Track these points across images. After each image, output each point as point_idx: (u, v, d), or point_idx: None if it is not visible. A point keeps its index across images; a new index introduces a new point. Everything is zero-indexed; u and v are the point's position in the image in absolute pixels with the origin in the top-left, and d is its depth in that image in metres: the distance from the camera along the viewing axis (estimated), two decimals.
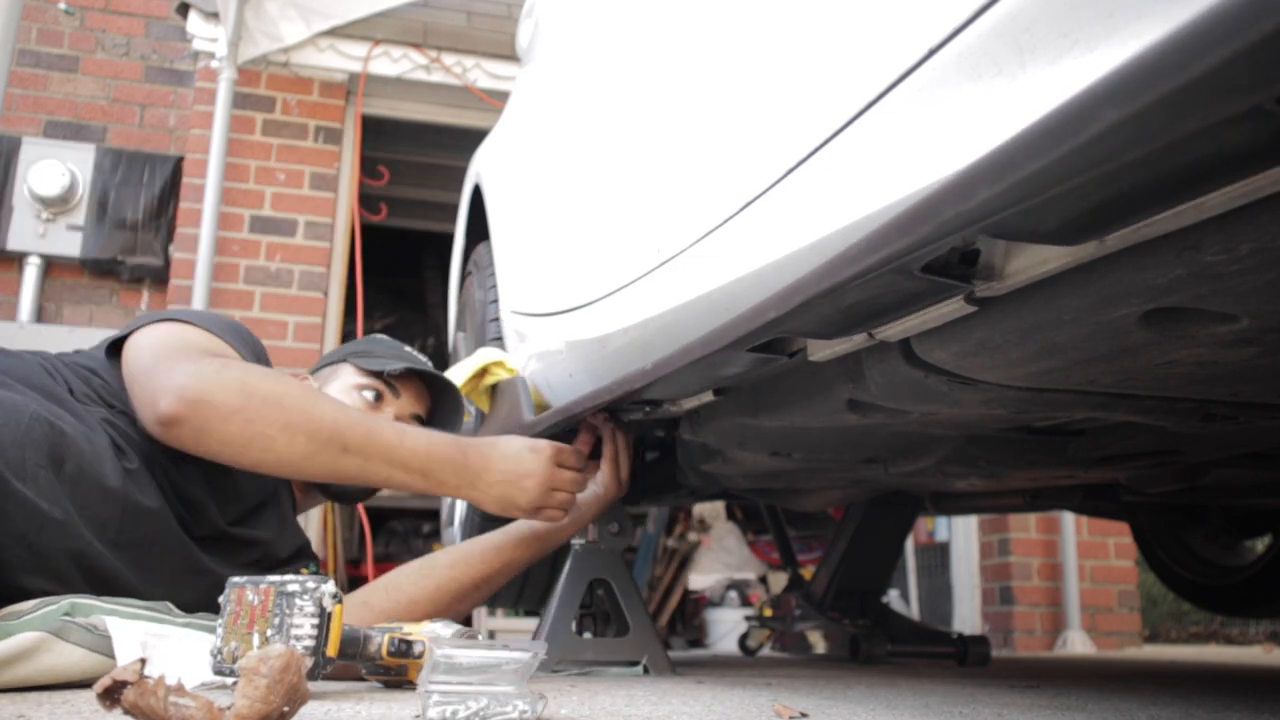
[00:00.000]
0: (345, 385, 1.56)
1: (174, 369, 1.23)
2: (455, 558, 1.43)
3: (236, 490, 1.41)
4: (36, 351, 1.40)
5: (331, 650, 1.00)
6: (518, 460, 1.34)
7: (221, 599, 1.03)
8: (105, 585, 1.21)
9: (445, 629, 1.17)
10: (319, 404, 1.24)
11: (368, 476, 1.25)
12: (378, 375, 1.56)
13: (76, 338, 3.52)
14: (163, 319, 1.37)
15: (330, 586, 1.01)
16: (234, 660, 1.00)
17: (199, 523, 1.36)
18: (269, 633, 0.98)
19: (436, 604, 1.39)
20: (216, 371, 1.22)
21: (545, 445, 1.37)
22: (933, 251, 0.69)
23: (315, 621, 0.98)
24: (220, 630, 1.01)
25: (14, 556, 1.12)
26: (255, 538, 1.44)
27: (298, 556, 1.51)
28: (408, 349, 1.68)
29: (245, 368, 1.27)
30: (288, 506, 1.54)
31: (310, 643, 0.98)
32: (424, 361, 1.63)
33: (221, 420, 1.19)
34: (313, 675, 0.99)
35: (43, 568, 1.16)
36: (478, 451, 1.33)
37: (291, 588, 0.99)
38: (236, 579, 1.02)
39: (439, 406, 1.66)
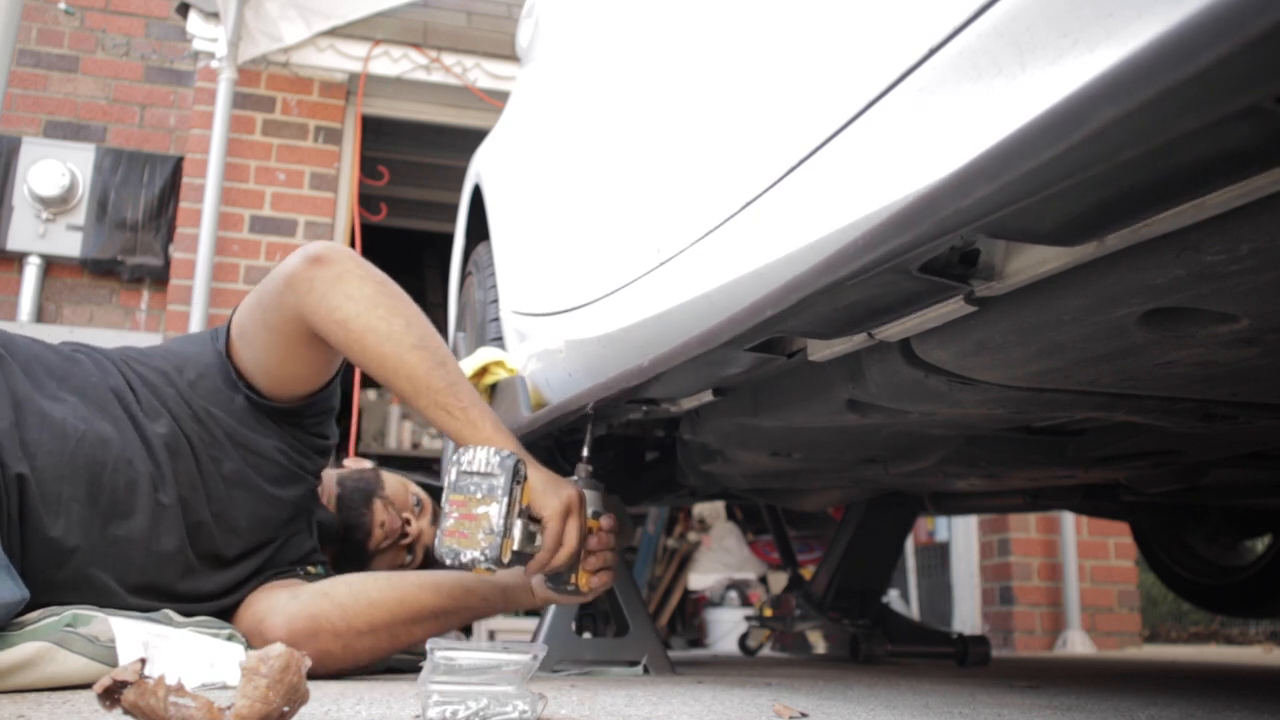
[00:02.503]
0: (404, 479, 1.75)
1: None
2: (424, 580, 1.41)
3: (272, 518, 1.44)
4: (120, 349, 1.41)
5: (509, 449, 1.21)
6: (568, 482, 1.30)
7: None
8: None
9: None
10: (434, 328, 1.33)
11: (445, 399, 1.26)
12: (430, 491, 1.76)
13: (76, 338, 3.50)
14: None
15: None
16: (492, 534, 1.15)
17: (225, 546, 1.38)
18: (480, 494, 1.18)
19: (396, 617, 1.38)
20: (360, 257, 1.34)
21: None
22: (931, 250, 0.69)
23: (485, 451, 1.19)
24: (461, 549, 1.16)
25: (33, 587, 1.13)
26: (269, 558, 1.46)
27: (307, 557, 1.51)
28: None
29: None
30: (309, 526, 1.56)
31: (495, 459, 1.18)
32: None
33: (360, 279, 1.29)
34: (524, 477, 1.19)
35: (59, 600, 1.17)
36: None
37: (452, 478, 1.18)
38: (440, 546, 1.15)
39: None
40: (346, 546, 1.65)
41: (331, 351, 1.37)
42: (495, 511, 1.17)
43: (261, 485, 1.40)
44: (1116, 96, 0.46)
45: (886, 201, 0.81)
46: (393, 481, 1.72)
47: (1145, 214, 0.59)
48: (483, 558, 1.16)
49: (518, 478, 1.18)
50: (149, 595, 1.28)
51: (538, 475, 1.25)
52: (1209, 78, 0.41)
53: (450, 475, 1.19)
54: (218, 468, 1.35)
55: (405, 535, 1.69)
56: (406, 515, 1.70)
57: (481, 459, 1.19)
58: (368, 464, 1.76)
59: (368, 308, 1.27)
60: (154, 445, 1.29)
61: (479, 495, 1.17)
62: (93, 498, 1.22)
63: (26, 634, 1.06)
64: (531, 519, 1.22)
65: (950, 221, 0.61)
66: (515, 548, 1.18)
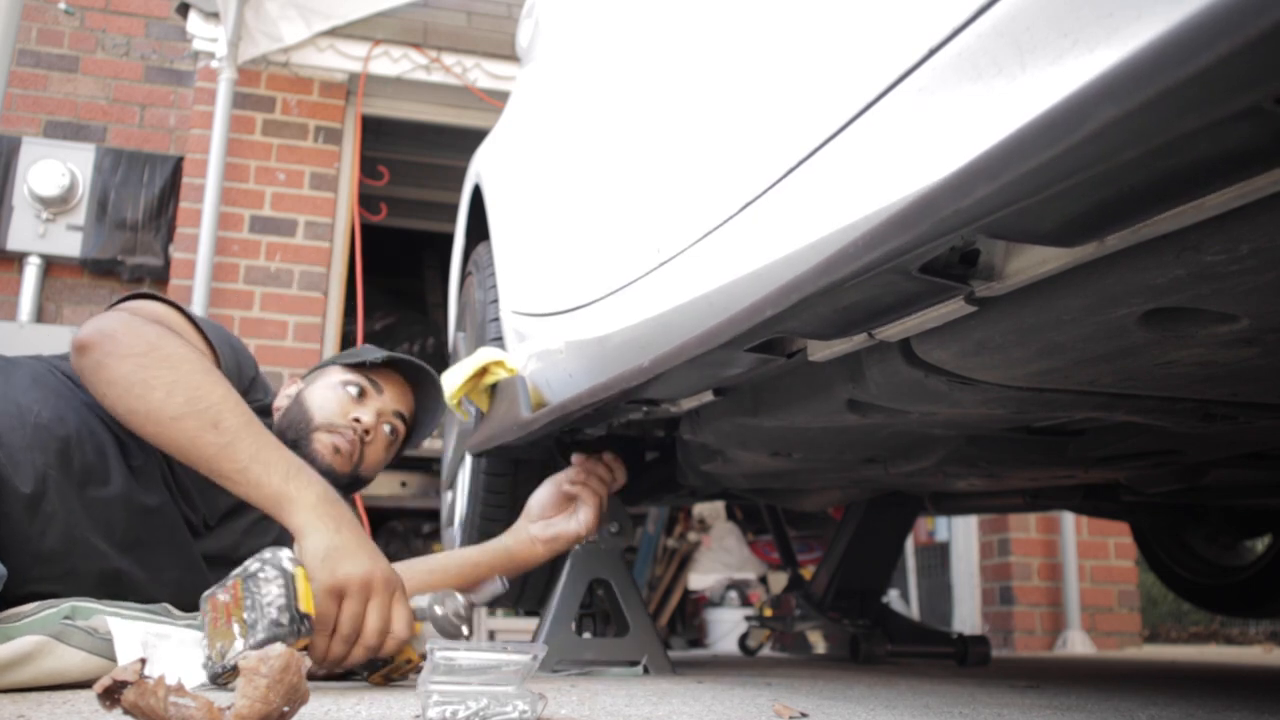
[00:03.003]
0: (331, 382, 1.61)
1: (110, 314, 1.30)
2: (433, 565, 1.46)
3: None
4: (41, 356, 1.43)
5: (305, 605, 1.03)
6: (372, 556, 1.14)
7: (199, 614, 1.06)
8: (113, 586, 1.22)
9: (424, 599, 1.25)
10: (214, 383, 1.23)
11: (220, 465, 1.17)
12: (360, 368, 1.62)
13: None
14: (149, 296, 1.42)
15: (286, 551, 1.05)
16: (224, 658, 1.01)
17: (198, 511, 1.39)
18: (246, 615, 1.01)
19: None
20: (138, 324, 1.27)
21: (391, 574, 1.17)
22: (931, 251, 0.69)
23: (281, 583, 1.02)
24: (205, 640, 1.04)
25: (21, 562, 1.13)
26: (250, 525, 1.47)
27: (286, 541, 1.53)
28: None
29: (166, 331, 1.28)
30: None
31: (282, 602, 1.01)
32: (408, 359, 1.69)
33: (119, 359, 1.23)
34: (296, 634, 1.02)
35: (50, 573, 1.17)
36: (343, 507, 1.20)
37: (252, 567, 1.03)
38: (206, 592, 1.06)
39: (422, 402, 1.71)
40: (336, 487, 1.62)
41: None
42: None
43: None
44: (1116, 96, 0.46)
45: (886, 202, 0.81)
46: (318, 397, 1.57)
47: (1145, 214, 0.59)
48: (205, 666, 1.04)
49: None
50: (140, 553, 1.28)
51: (328, 540, 1.11)
52: (1209, 78, 0.41)
53: (248, 562, 1.06)
54: None
55: (366, 434, 1.56)
56: (353, 418, 1.55)
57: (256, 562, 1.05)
58: (295, 389, 1.63)
59: (124, 390, 1.21)
60: (110, 419, 1.30)
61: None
62: (65, 465, 1.23)
63: (24, 627, 1.06)
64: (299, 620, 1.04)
65: (950, 222, 0.61)
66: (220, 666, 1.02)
